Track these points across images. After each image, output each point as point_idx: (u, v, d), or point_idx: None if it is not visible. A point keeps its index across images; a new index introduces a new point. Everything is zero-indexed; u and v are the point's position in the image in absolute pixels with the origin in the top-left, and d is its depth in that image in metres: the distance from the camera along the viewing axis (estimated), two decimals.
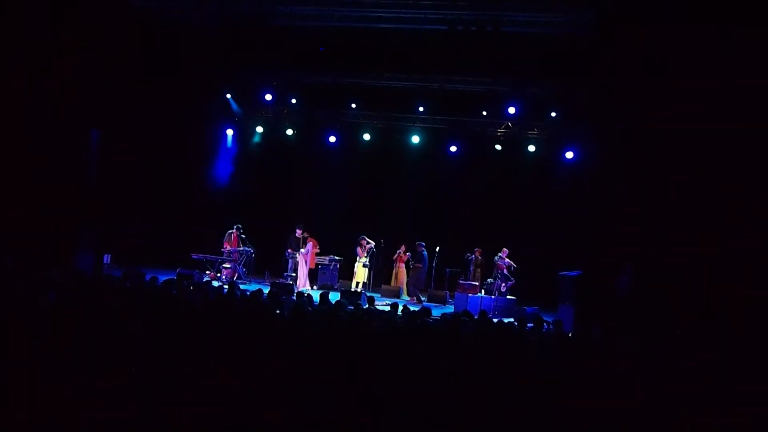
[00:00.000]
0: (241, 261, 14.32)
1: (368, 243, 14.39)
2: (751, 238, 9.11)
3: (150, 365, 5.03)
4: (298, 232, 14.27)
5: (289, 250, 14.37)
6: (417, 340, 6.19)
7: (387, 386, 4.93)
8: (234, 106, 16.51)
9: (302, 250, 14.24)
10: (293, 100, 15.95)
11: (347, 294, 12.29)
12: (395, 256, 14.75)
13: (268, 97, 15.57)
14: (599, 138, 13.40)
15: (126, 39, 12.57)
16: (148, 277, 8.51)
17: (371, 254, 14.47)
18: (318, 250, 14.48)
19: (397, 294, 14.21)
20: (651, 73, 10.56)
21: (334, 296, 10.65)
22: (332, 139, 16.42)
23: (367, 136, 16.25)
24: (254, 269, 14.92)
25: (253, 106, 16.61)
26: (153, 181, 15.16)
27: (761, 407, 5.08)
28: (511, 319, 9.86)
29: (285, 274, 14.35)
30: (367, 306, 8.94)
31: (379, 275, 15.02)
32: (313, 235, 14.58)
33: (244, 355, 5.22)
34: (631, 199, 11.30)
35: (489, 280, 13.65)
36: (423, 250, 14.26)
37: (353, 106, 15.76)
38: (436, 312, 8.81)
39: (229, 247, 14.20)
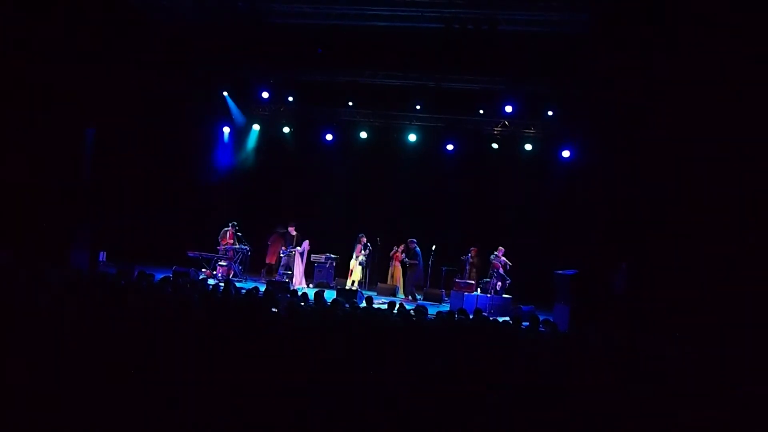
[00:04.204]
0: (237, 259, 14.30)
1: (367, 245, 14.34)
2: (748, 236, 9.14)
3: (146, 363, 5.02)
4: (291, 229, 14.26)
5: (284, 248, 14.36)
6: (413, 339, 6.20)
7: (383, 384, 4.93)
8: (230, 104, 16.49)
9: (298, 248, 14.22)
10: (290, 98, 15.94)
11: (343, 292, 12.28)
12: (392, 254, 14.78)
13: (265, 95, 15.56)
14: (595, 136, 13.45)
15: (123, 37, 12.55)
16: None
17: (368, 252, 14.47)
18: (284, 247, 14.39)
19: (393, 292, 14.21)
20: (647, 71, 10.58)
21: (329, 294, 10.64)
22: (329, 137, 16.42)
23: (363, 134, 16.25)
24: (250, 267, 14.92)
25: (249, 104, 16.59)
26: (148, 179, 15.13)
27: (759, 405, 5.10)
28: (507, 318, 9.87)
29: (281, 272, 14.34)
30: (364, 305, 8.94)
31: (376, 274, 15.04)
32: (309, 234, 14.57)
33: (239, 354, 5.22)
34: (626, 198, 11.35)
35: (485, 279, 13.66)
36: (415, 247, 14.27)
37: (350, 104, 15.75)
38: (432, 310, 8.81)
39: (225, 245, 14.18)
